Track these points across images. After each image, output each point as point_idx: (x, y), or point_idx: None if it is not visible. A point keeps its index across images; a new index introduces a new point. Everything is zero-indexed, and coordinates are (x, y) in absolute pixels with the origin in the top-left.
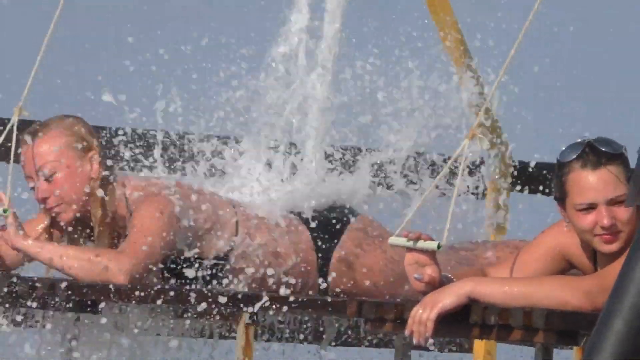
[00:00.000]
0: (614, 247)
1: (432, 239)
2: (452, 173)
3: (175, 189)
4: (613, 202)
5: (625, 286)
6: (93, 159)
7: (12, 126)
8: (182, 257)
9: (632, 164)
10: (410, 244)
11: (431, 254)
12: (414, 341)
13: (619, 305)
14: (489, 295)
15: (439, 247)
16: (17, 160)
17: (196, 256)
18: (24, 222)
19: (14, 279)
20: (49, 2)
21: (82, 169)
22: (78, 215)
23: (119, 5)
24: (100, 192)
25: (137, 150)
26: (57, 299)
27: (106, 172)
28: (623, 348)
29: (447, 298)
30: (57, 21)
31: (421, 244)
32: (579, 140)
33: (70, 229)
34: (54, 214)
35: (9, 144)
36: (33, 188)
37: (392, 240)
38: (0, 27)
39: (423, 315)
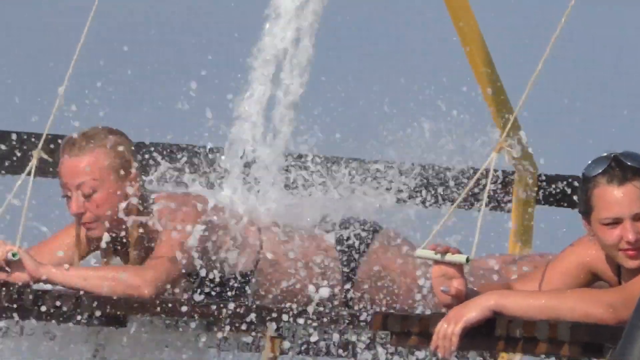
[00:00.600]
0: (638, 262)
1: (460, 252)
2: (478, 186)
3: (203, 206)
4: (638, 217)
5: None
6: (133, 181)
7: (31, 168)
8: (208, 273)
9: None
10: (438, 256)
11: (458, 267)
12: (439, 356)
13: None
14: (513, 308)
15: (467, 260)
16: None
17: (222, 272)
18: (39, 245)
19: (39, 293)
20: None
21: (122, 190)
22: (111, 233)
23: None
24: (136, 214)
25: (165, 163)
26: (82, 314)
27: (144, 192)
28: None
29: (472, 312)
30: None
31: (449, 257)
32: (605, 154)
33: (103, 244)
34: (86, 229)
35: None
36: (67, 197)
37: (419, 252)
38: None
39: (448, 330)
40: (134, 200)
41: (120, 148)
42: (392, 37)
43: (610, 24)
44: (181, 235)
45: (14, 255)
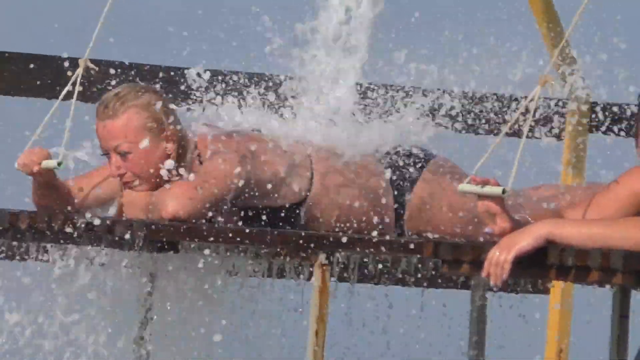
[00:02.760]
0: None
1: (499, 185)
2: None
3: (248, 143)
4: None
5: None
6: (169, 137)
7: (77, 77)
8: (255, 205)
9: None
10: (478, 188)
11: (500, 201)
12: (491, 283)
13: None
14: (566, 237)
15: (504, 192)
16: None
17: (270, 204)
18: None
19: (93, 219)
20: None
21: (158, 148)
22: (153, 188)
23: None
24: (175, 167)
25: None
26: (135, 240)
27: (182, 141)
28: None
29: (525, 240)
30: None
31: (487, 189)
32: None
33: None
34: (128, 188)
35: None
36: (107, 156)
37: (462, 186)
38: None
39: (500, 258)
40: (173, 158)
41: (153, 106)
42: None
43: None
44: (222, 171)
45: (59, 164)
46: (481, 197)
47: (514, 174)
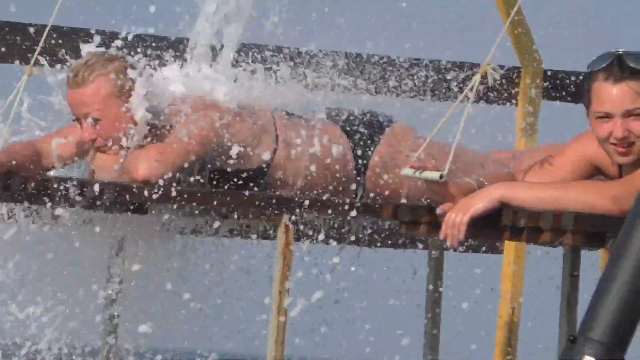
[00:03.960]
0: (627, 158)
1: (438, 170)
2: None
3: (214, 108)
4: (629, 114)
5: None
6: (137, 102)
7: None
8: (223, 168)
9: None
10: (417, 174)
11: (443, 187)
12: (448, 244)
13: None
14: (519, 199)
15: (441, 177)
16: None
17: (237, 167)
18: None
19: (67, 181)
20: None
21: (126, 113)
22: (124, 149)
23: None
24: (142, 127)
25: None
26: (105, 200)
27: (151, 105)
28: None
29: (480, 202)
30: None
31: (426, 174)
32: (611, 51)
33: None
34: (101, 151)
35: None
36: (79, 121)
37: (404, 171)
38: None
39: (456, 219)
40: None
41: (121, 73)
42: None
43: None
44: (193, 131)
45: None
46: (426, 181)
47: (456, 142)
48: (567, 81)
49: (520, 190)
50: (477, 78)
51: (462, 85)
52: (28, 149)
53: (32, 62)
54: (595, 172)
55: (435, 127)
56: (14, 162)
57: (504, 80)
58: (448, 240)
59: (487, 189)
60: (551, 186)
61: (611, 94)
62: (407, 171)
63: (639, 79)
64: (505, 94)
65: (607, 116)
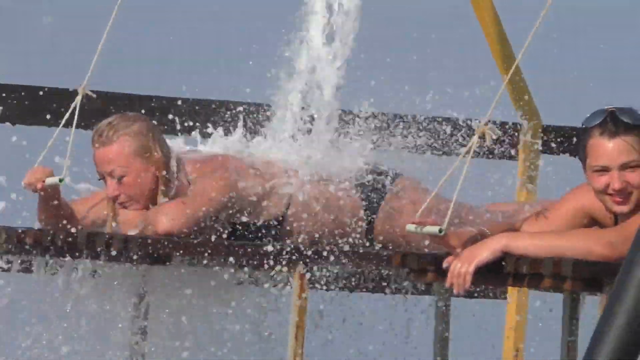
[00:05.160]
0: (624, 208)
1: (437, 224)
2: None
3: (231, 164)
4: (625, 167)
5: None
6: (158, 159)
7: (76, 105)
8: (240, 220)
9: None
10: (419, 230)
11: (444, 241)
12: (454, 292)
13: (638, 257)
14: (521, 248)
15: (440, 231)
16: (81, 126)
17: (253, 219)
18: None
19: (94, 235)
20: None
21: (148, 171)
22: (146, 207)
23: None
24: (164, 185)
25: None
26: (130, 253)
27: (171, 164)
28: None
29: (484, 253)
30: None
31: (427, 229)
32: (604, 107)
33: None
34: (123, 207)
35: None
36: (103, 180)
37: (407, 227)
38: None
39: (462, 269)
40: (162, 178)
41: (144, 133)
42: None
43: None
44: (208, 191)
45: (61, 180)
46: (425, 236)
47: (455, 197)
48: (565, 136)
49: (522, 240)
50: (474, 139)
51: (460, 140)
52: (67, 207)
53: (83, 83)
54: (591, 223)
55: (438, 182)
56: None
57: (504, 136)
58: (454, 288)
59: (490, 239)
60: (551, 235)
61: (607, 148)
62: (409, 227)
63: (633, 134)
64: (506, 149)
65: (604, 169)
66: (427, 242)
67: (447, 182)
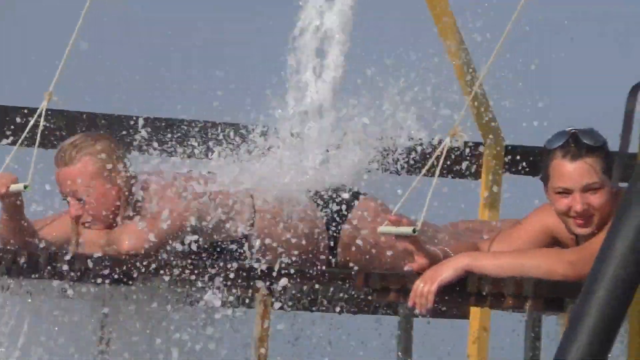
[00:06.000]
0: (586, 230)
1: (411, 224)
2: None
3: (194, 184)
4: (587, 189)
5: (606, 257)
6: (120, 180)
7: (42, 110)
8: (203, 240)
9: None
10: (393, 229)
11: (415, 239)
12: (417, 311)
13: (601, 275)
14: (483, 267)
15: (414, 231)
16: (42, 144)
17: (216, 238)
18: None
19: (57, 255)
20: None
21: (111, 190)
22: (109, 227)
23: None
24: (126, 205)
25: (155, 137)
26: (93, 273)
27: (135, 184)
28: (605, 314)
29: (446, 272)
30: (88, 10)
31: (401, 229)
32: (567, 129)
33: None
34: (86, 227)
35: (37, 130)
36: (66, 200)
37: (380, 228)
38: (32, 13)
39: (424, 289)
40: (124, 197)
41: (107, 153)
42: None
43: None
44: (175, 206)
45: (26, 187)
46: (398, 237)
47: (425, 209)
48: (527, 156)
49: (484, 259)
50: (447, 141)
51: (418, 159)
52: (29, 223)
53: (50, 88)
54: (553, 243)
55: (403, 200)
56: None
57: (467, 155)
58: (417, 308)
59: (453, 258)
60: (513, 254)
61: (569, 170)
62: (382, 228)
63: (595, 155)
64: (469, 168)
65: (566, 191)
66: (389, 260)
67: (409, 202)
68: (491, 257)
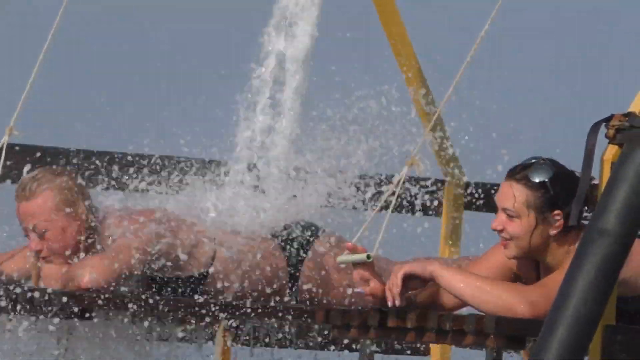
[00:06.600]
0: (507, 252)
1: (366, 251)
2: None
3: (156, 219)
4: (505, 212)
5: (566, 296)
6: (82, 215)
7: (2, 146)
8: (164, 275)
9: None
10: (349, 257)
11: (370, 267)
12: (389, 304)
13: (561, 313)
14: (448, 279)
15: (368, 257)
16: (3, 178)
17: (177, 273)
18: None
19: (15, 288)
20: (41, 24)
21: (71, 225)
22: (68, 261)
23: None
24: (86, 239)
25: (120, 172)
26: (51, 308)
27: (95, 218)
28: (565, 351)
29: (414, 266)
30: (49, 46)
31: (356, 256)
32: (538, 158)
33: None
34: (46, 262)
35: None
36: (27, 236)
37: (339, 258)
38: None
39: (392, 281)
40: (85, 232)
41: (67, 187)
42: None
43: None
44: (135, 241)
45: None
46: (354, 265)
47: (379, 240)
48: (488, 192)
49: (450, 272)
50: (405, 170)
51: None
52: None
53: (10, 123)
54: (513, 277)
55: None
56: None
57: (426, 193)
58: (389, 301)
59: (424, 259)
60: (479, 277)
61: (500, 189)
62: (340, 258)
63: (527, 186)
64: (429, 205)
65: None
66: (352, 298)
67: (368, 237)
68: (458, 272)
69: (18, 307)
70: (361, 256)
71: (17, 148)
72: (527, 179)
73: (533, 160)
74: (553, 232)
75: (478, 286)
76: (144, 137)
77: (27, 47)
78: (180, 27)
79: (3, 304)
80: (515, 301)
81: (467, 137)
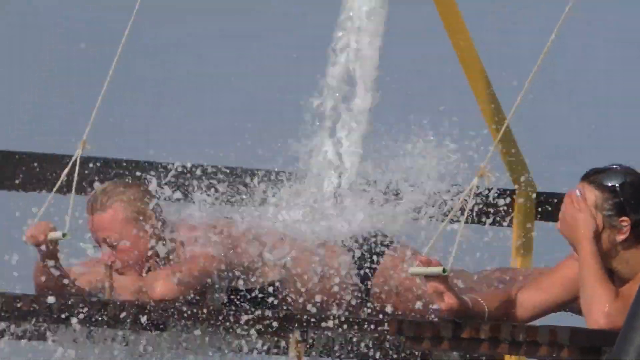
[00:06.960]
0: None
1: (440, 265)
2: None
3: (226, 230)
4: None
5: None
6: (152, 227)
7: (76, 159)
8: (236, 286)
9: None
10: (423, 269)
11: (444, 280)
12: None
13: (638, 322)
14: (586, 254)
15: (444, 271)
16: (78, 190)
17: (249, 285)
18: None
19: (89, 301)
20: (112, 38)
21: (143, 237)
22: (141, 273)
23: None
24: (157, 251)
25: (190, 187)
26: (125, 319)
27: (166, 229)
28: None
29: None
30: (119, 59)
31: (431, 269)
32: (616, 165)
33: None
34: (118, 273)
35: (72, 177)
36: (98, 247)
37: (411, 269)
38: (65, 62)
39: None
40: (158, 244)
41: (138, 199)
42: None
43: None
44: (206, 252)
45: (64, 235)
46: (428, 278)
47: (454, 254)
48: (560, 201)
49: (593, 251)
50: (474, 182)
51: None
52: (64, 271)
53: (84, 137)
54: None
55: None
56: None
57: (499, 202)
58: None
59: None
60: (603, 272)
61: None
62: (412, 269)
63: (597, 189)
64: (501, 216)
65: None
66: (420, 305)
67: (441, 248)
68: (596, 256)
69: (93, 319)
70: (436, 269)
71: (90, 161)
72: (598, 181)
73: (611, 166)
74: (620, 237)
75: (597, 277)
76: (219, 150)
77: (27, 47)
78: None
79: (80, 316)
80: (593, 308)
81: (538, 147)
